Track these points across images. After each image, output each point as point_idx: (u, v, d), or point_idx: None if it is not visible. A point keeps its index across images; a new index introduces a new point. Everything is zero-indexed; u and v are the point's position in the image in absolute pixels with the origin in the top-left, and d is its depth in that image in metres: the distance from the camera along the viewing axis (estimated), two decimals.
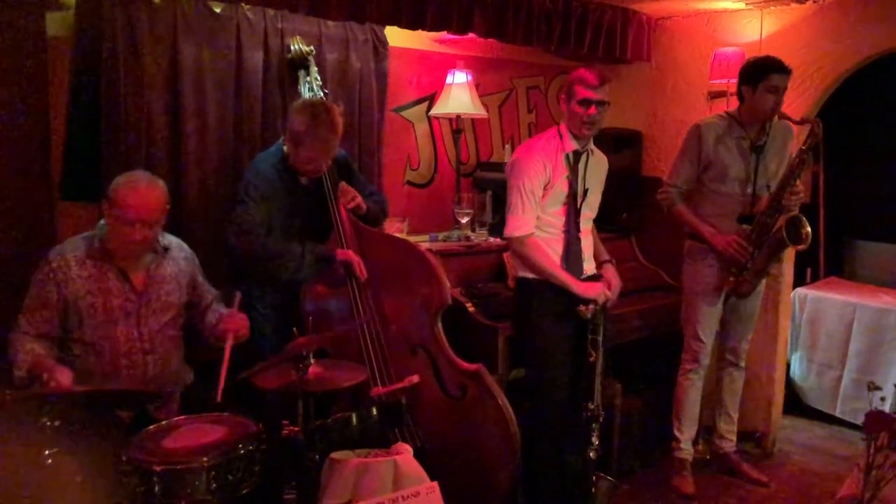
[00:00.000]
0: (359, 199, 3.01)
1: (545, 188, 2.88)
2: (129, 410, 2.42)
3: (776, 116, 3.25)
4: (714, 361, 3.62)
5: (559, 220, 2.93)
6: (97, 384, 2.41)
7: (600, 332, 2.84)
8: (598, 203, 3.10)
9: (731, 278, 3.33)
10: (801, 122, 3.28)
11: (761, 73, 3.19)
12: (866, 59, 3.60)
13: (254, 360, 2.38)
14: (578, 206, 2.93)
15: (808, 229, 3.23)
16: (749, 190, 3.33)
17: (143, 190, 2.43)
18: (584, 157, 2.94)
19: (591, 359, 2.84)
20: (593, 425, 2.87)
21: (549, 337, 2.93)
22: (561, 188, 2.90)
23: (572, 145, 2.91)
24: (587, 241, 3.03)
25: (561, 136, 2.92)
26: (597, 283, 2.95)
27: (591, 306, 2.81)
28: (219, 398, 2.38)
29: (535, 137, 3.02)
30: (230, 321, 2.59)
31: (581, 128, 2.86)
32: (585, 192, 2.94)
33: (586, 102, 2.81)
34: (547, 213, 2.92)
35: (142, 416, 2.42)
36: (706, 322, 3.44)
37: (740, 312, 3.52)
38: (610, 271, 3.06)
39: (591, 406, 2.87)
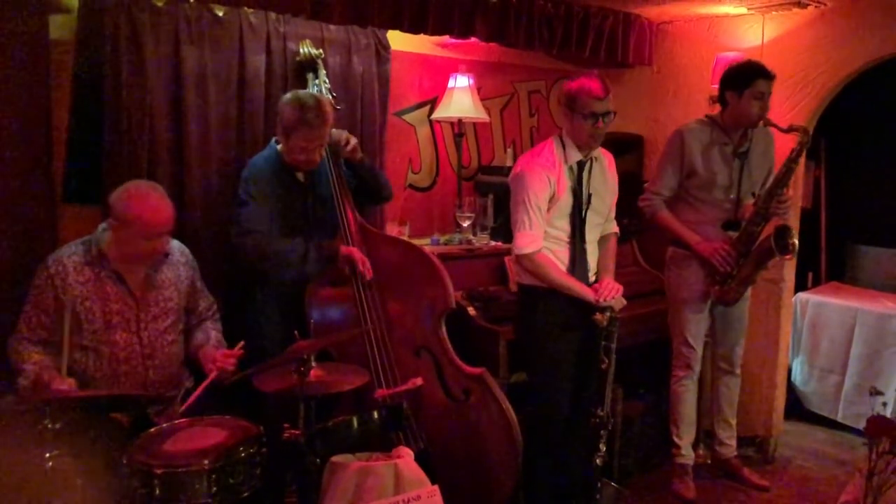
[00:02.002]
0: (353, 142, 3.02)
1: (550, 201, 2.82)
2: (129, 414, 2.42)
3: (761, 123, 3.21)
4: (708, 368, 3.62)
5: (565, 232, 2.88)
6: (98, 389, 2.41)
7: (614, 339, 2.81)
8: (608, 207, 3.02)
9: (717, 286, 3.31)
10: (787, 131, 3.19)
11: (747, 79, 3.15)
12: (868, 64, 3.60)
13: (258, 362, 2.38)
14: (583, 215, 2.88)
15: (796, 240, 3.19)
16: (733, 196, 3.31)
17: (157, 202, 2.46)
18: (587, 165, 2.88)
19: (604, 366, 2.81)
20: (601, 432, 2.85)
21: (556, 345, 2.89)
22: (566, 200, 2.84)
23: (576, 156, 2.84)
24: (593, 250, 2.97)
25: (563, 147, 2.85)
26: (607, 285, 2.87)
27: (608, 314, 2.78)
28: (181, 409, 2.41)
29: (536, 149, 2.93)
30: (222, 357, 2.56)
31: (588, 141, 2.80)
32: (589, 198, 2.90)
33: (594, 116, 2.73)
34: (554, 227, 2.86)
35: (142, 420, 2.42)
36: (694, 329, 3.42)
37: (728, 320, 3.50)
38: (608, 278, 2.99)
39: (601, 413, 2.84)
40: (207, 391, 2.47)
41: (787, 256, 3.26)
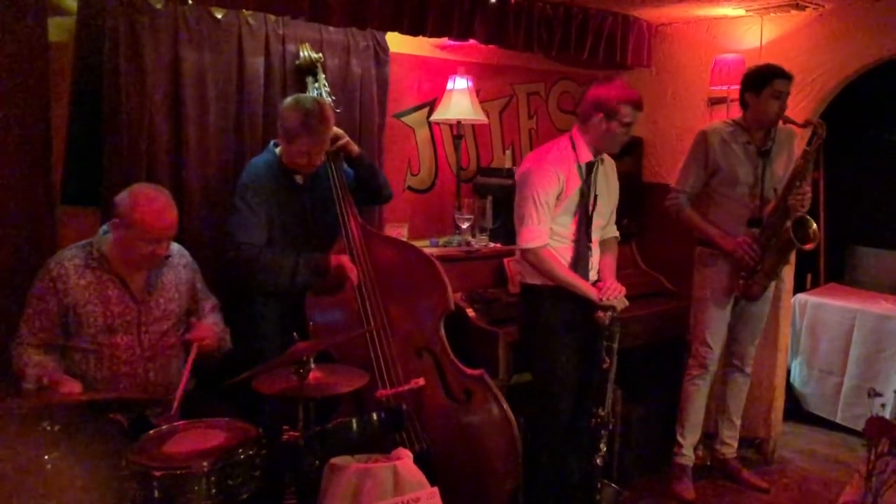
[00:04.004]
0: (345, 138, 3.01)
1: (558, 199, 2.85)
2: (128, 416, 2.41)
3: (781, 121, 3.28)
4: (719, 367, 3.62)
5: (569, 230, 2.90)
6: (101, 392, 2.41)
7: (616, 339, 2.83)
8: (611, 209, 3.07)
9: (741, 281, 3.35)
10: (804, 125, 3.33)
11: (765, 79, 3.23)
12: (866, 66, 3.61)
13: (257, 364, 2.38)
14: (590, 214, 2.91)
15: (815, 227, 3.24)
16: (756, 194, 3.36)
17: (163, 206, 2.45)
18: (595, 166, 2.92)
19: (605, 366, 2.83)
20: (602, 432, 2.86)
21: (558, 344, 2.91)
22: (574, 198, 2.87)
23: (588, 156, 2.88)
24: (595, 251, 2.99)
25: (574, 146, 2.89)
26: (611, 285, 2.90)
27: (609, 313, 2.80)
28: (173, 411, 2.38)
29: (546, 147, 2.98)
30: (194, 331, 2.57)
31: (612, 146, 2.90)
32: (595, 199, 2.93)
33: (629, 125, 2.85)
34: (559, 224, 2.88)
35: (142, 422, 2.42)
36: (715, 327, 3.45)
37: (748, 317, 3.53)
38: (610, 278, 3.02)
39: (601, 413, 2.85)
40: (196, 376, 2.49)
41: (808, 246, 3.29)
